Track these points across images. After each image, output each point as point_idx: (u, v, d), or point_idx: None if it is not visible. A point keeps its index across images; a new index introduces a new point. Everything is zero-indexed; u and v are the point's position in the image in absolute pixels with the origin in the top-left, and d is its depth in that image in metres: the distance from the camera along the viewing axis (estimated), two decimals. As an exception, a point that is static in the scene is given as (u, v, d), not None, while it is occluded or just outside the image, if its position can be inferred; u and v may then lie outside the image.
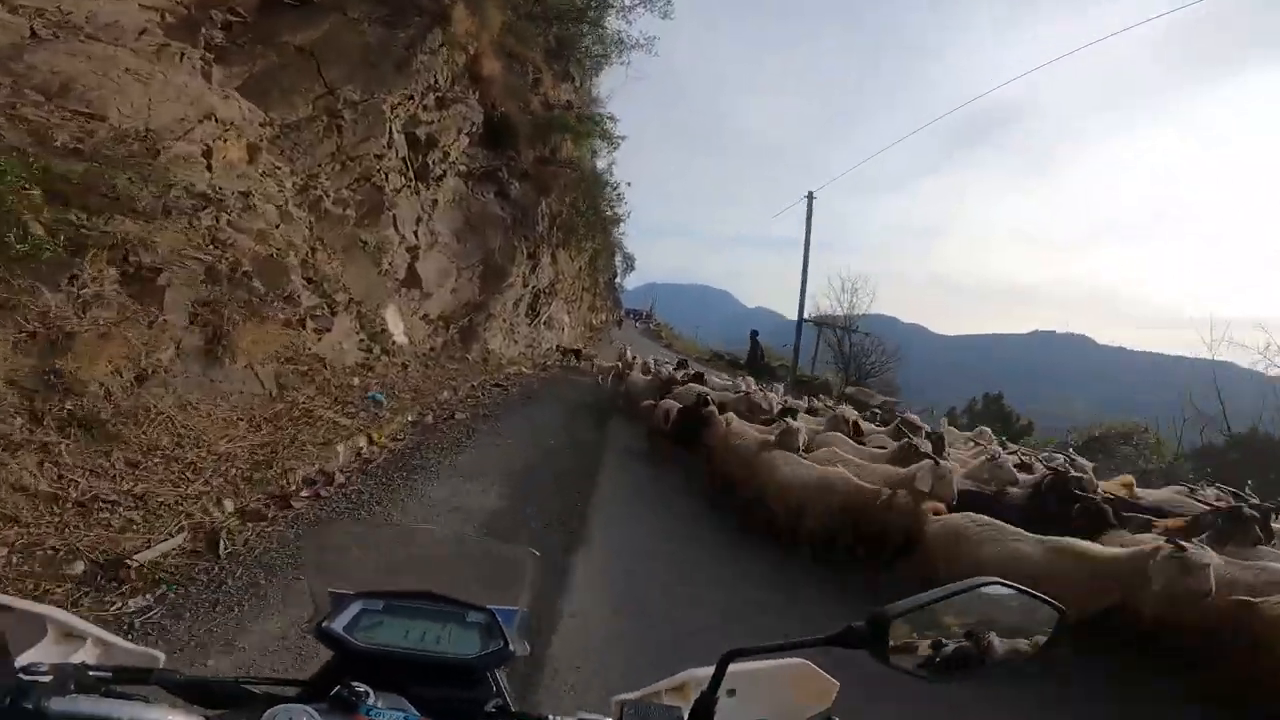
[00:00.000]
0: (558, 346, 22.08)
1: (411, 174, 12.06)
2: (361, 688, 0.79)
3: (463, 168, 14.35)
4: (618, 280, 51.67)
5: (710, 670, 0.87)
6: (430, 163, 12.59)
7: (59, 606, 1.01)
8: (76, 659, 0.88)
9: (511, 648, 0.96)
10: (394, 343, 10.59)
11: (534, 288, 19.38)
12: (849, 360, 27.40)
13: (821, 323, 27.86)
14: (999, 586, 0.84)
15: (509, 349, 17.36)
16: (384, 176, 11.22)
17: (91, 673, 0.74)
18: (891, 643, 0.80)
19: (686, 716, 0.82)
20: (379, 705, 0.78)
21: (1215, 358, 17.55)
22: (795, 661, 1.09)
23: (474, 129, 14.14)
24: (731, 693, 0.93)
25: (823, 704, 1.09)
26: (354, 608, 0.98)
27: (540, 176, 17.78)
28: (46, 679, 0.65)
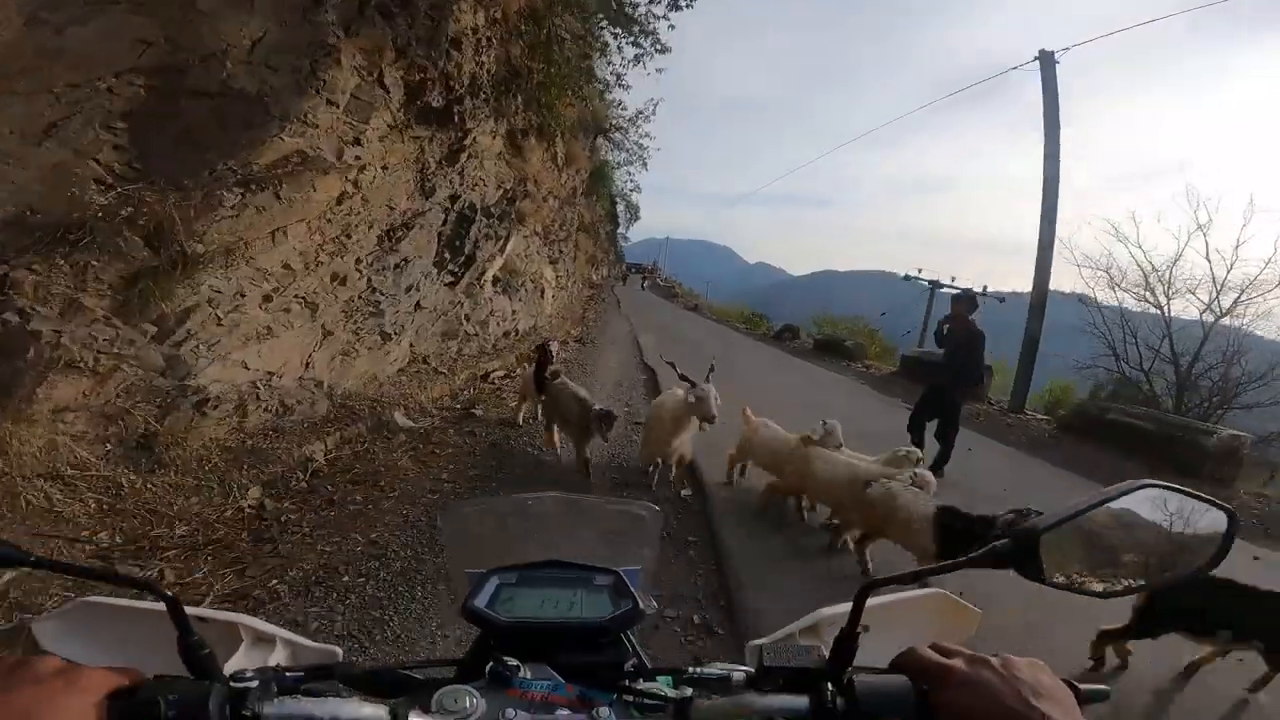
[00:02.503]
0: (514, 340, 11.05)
1: None
2: (513, 662, 0.81)
3: None
4: (620, 230, 45.09)
5: (842, 607, 0.91)
6: None
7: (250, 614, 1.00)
8: (271, 661, 0.94)
9: (641, 606, 0.96)
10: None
11: (461, 200, 8.23)
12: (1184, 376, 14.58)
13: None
14: (1157, 489, 0.76)
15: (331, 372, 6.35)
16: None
17: (287, 674, 0.75)
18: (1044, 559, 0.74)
19: (827, 655, 0.77)
20: (528, 676, 0.81)
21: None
22: (933, 591, 1.10)
23: None
24: (865, 629, 0.81)
25: (965, 633, 1.09)
26: (491, 584, 1.00)
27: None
28: (254, 683, 0.67)
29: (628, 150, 23.77)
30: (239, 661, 0.92)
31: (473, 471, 5.53)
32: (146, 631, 0.86)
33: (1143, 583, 0.83)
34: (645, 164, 25.10)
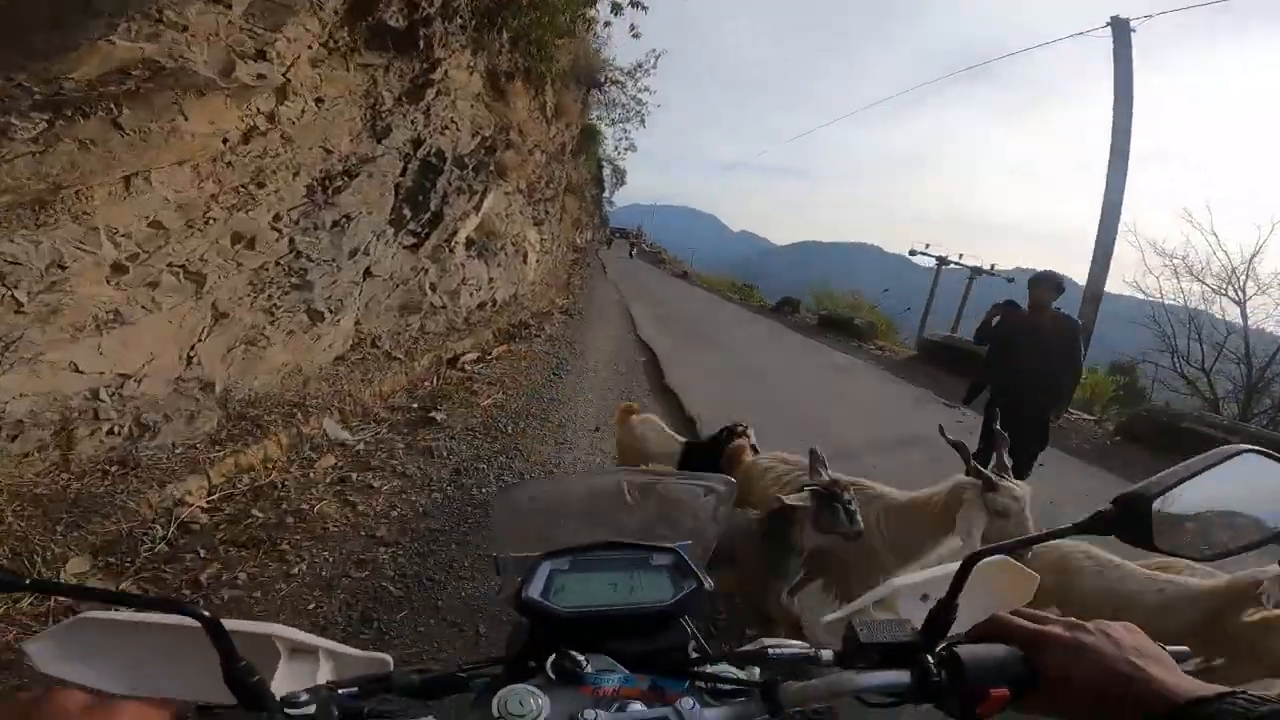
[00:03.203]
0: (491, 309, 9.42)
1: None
2: (579, 656, 0.76)
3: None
4: (606, 196, 44.29)
5: (916, 577, 0.97)
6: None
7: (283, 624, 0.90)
8: (320, 678, 0.85)
9: (707, 585, 0.92)
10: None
11: (426, 146, 6.46)
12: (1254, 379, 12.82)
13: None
14: (1255, 455, 0.73)
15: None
16: None
17: (341, 690, 0.70)
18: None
19: (921, 626, 0.74)
20: (592, 670, 0.76)
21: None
22: (994, 558, 0.96)
23: None
24: (925, 598, 0.88)
25: (1023, 598, 1.06)
26: (544, 570, 0.94)
27: None
28: (311, 708, 0.62)
29: (623, 106, 21.79)
30: (283, 680, 0.82)
31: (425, 522, 3.86)
32: (162, 648, 0.75)
33: (1244, 544, 0.77)
34: (643, 121, 23.05)
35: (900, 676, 0.68)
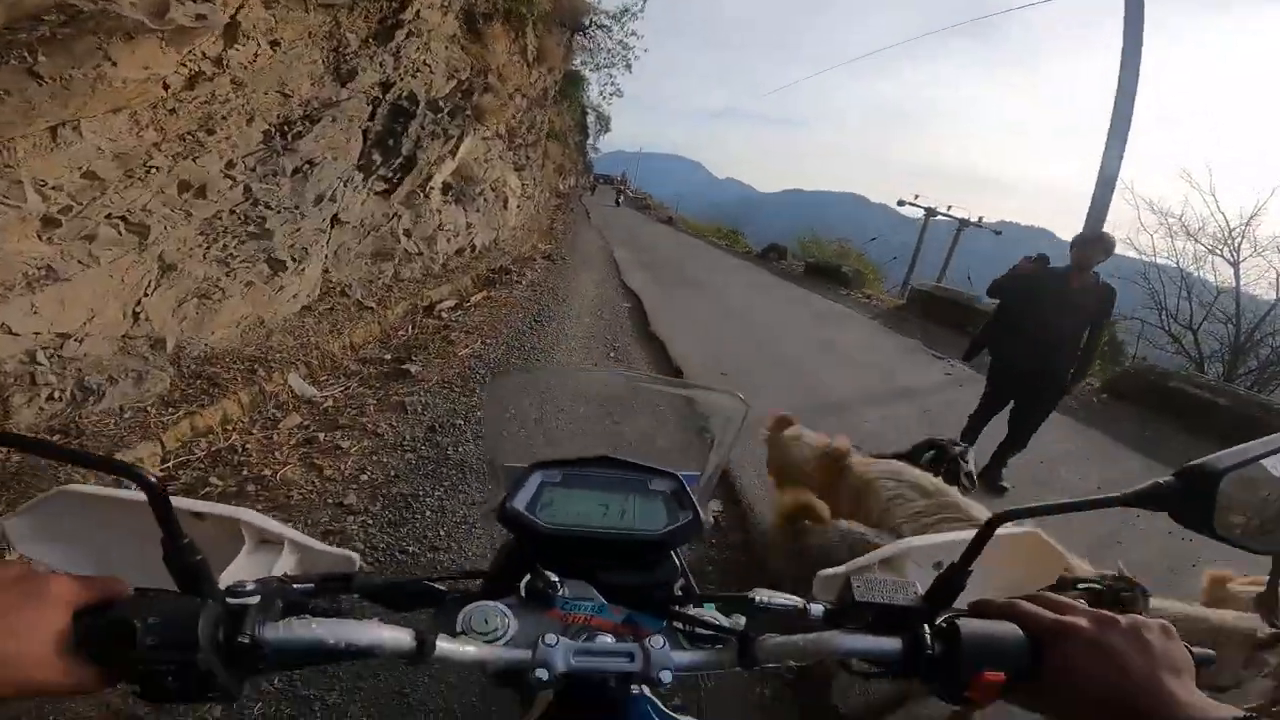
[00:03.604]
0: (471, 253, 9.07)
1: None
2: (553, 578, 0.73)
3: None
4: (590, 142, 43.99)
5: (930, 539, 0.88)
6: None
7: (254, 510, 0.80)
8: (277, 569, 0.79)
9: (703, 518, 0.86)
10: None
11: (396, 89, 6.05)
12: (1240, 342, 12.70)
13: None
14: None
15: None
16: None
17: (295, 585, 0.67)
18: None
19: (924, 592, 0.67)
20: (568, 595, 0.74)
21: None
22: (1026, 530, 0.93)
23: None
24: (938, 565, 0.81)
25: (1050, 577, 0.96)
26: (533, 482, 0.89)
27: None
28: (254, 599, 0.56)
29: (609, 51, 20.97)
30: (239, 569, 0.76)
31: (397, 486, 3.66)
32: (136, 528, 0.66)
33: None
34: (629, 66, 22.21)
35: (891, 644, 0.63)
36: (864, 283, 16.48)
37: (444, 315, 7.11)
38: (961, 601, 0.67)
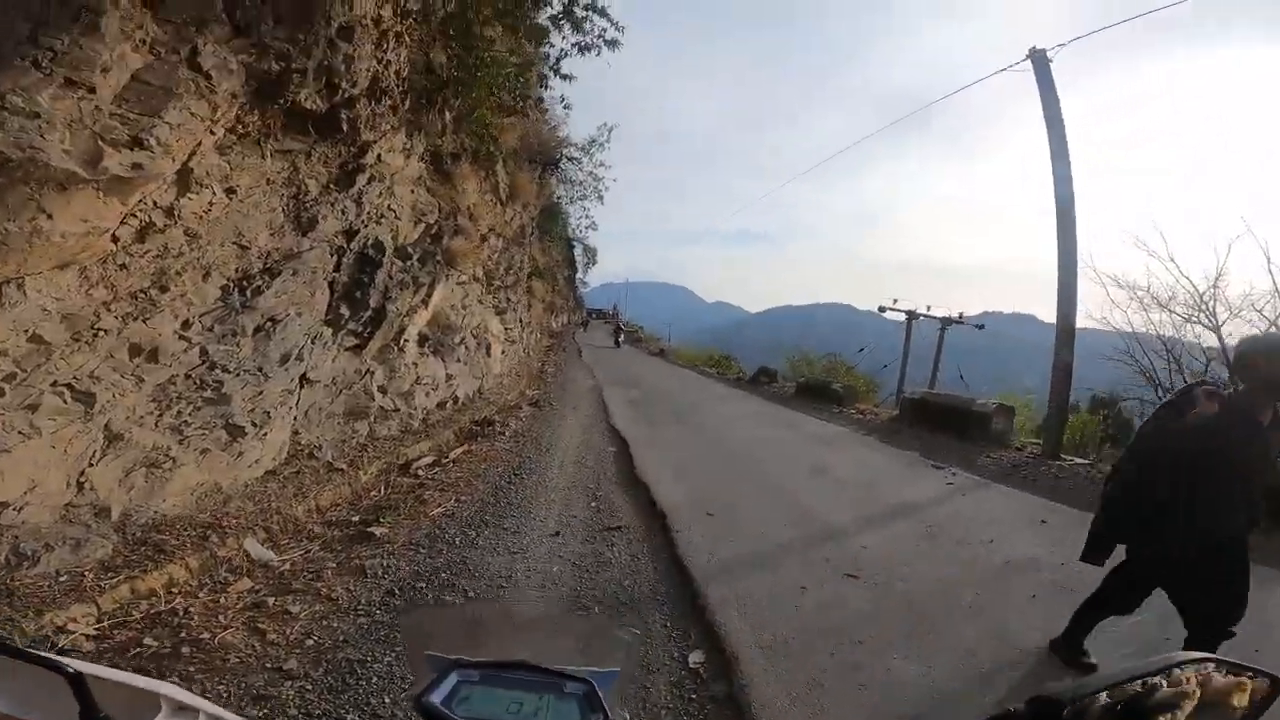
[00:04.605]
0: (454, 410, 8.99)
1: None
2: None
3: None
4: (579, 277, 43.58)
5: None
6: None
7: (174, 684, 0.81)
8: None
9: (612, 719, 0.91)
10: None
11: (361, 237, 6.26)
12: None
13: None
14: (1194, 662, 0.71)
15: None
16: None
17: None
18: None
19: None
20: None
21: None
22: None
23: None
24: None
25: None
26: (450, 679, 0.92)
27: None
28: None
29: (580, 184, 22.18)
30: None
31: (344, 652, 3.37)
32: (57, 691, 0.70)
33: None
34: (601, 197, 23.42)
35: None
36: (856, 398, 16.42)
37: (420, 473, 6.92)
38: None
